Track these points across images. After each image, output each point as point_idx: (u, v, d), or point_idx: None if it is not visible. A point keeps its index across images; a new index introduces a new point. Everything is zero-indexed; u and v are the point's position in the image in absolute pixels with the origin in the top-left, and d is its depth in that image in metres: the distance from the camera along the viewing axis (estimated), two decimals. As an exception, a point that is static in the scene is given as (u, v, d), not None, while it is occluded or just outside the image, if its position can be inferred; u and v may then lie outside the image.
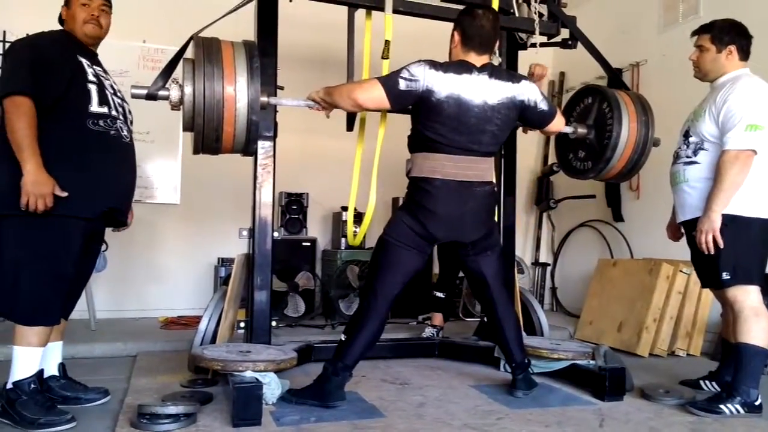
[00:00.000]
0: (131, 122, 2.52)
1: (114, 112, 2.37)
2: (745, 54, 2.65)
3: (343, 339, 2.47)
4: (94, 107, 2.31)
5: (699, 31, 2.70)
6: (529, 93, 2.54)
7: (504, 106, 2.47)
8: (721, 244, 2.44)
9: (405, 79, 2.37)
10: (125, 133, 2.43)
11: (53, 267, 2.21)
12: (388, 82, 2.38)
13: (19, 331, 2.18)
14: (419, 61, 2.41)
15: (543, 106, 2.60)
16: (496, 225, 2.76)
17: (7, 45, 4.09)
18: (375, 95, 2.38)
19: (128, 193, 2.50)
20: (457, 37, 2.52)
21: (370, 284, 2.52)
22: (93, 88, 2.32)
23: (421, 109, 2.42)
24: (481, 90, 2.43)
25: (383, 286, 2.47)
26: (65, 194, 2.16)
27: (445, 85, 2.38)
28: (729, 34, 2.62)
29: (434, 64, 2.41)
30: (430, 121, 2.42)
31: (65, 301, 2.35)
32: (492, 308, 2.68)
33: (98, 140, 2.30)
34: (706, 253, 2.48)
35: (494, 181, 2.60)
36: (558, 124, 2.75)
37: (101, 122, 2.32)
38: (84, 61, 2.35)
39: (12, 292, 2.19)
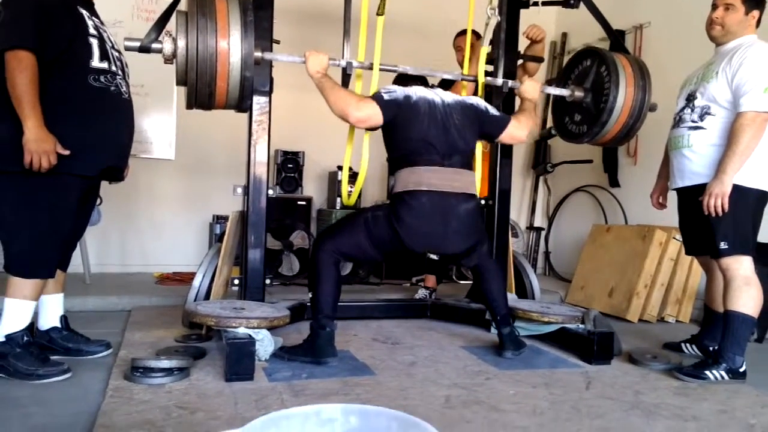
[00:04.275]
0: (128, 76, 2.47)
1: (113, 67, 2.33)
2: (759, 23, 2.61)
3: (311, 295, 2.53)
4: (96, 62, 2.25)
5: None
6: (477, 100, 2.72)
7: (456, 107, 2.61)
8: (726, 209, 2.43)
9: (386, 92, 2.53)
10: (124, 89, 2.39)
11: (52, 223, 2.21)
12: (375, 96, 2.52)
13: (15, 284, 2.19)
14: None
15: (494, 112, 2.71)
16: (485, 236, 2.78)
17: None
18: (369, 111, 2.47)
19: (127, 150, 2.48)
20: None
21: (324, 240, 2.56)
22: (94, 42, 2.26)
23: (398, 119, 2.51)
24: (435, 92, 2.64)
25: (336, 252, 2.53)
26: (67, 152, 2.13)
27: (411, 90, 2.58)
28: None
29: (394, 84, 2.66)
30: (407, 130, 2.51)
31: (62, 254, 2.37)
32: (477, 270, 2.77)
33: (99, 97, 2.26)
34: (714, 215, 2.46)
35: (477, 194, 2.67)
36: (516, 132, 2.75)
37: (102, 78, 2.27)
38: (84, 12, 2.28)
39: (11, 246, 2.21)
